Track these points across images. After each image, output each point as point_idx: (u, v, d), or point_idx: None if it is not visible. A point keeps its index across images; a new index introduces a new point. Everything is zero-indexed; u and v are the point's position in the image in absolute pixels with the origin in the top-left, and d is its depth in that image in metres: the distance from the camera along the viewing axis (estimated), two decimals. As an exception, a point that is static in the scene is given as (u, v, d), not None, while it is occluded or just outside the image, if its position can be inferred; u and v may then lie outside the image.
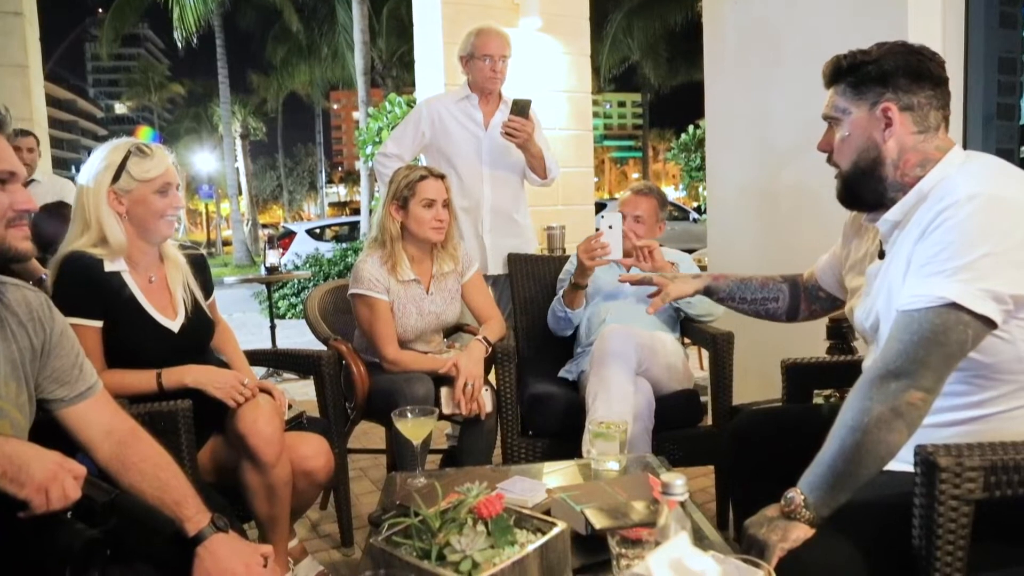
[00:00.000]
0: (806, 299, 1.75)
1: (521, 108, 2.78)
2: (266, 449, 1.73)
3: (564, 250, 4.18)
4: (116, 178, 1.76)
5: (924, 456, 1.12)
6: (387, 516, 1.35)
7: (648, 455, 1.79)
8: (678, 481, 0.85)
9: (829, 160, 1.40)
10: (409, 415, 1.65)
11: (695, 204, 17.77)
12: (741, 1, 3.15)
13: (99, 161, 1.79)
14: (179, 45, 15.32)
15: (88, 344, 1.72)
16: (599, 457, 1.66)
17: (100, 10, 19.71)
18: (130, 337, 1.80)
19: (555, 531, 1.13)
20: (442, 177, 2.37)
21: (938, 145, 1.30)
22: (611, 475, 1.64)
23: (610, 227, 2.28)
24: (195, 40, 15.52)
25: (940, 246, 1.17)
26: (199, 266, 2.01)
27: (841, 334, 2.13)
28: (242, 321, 8.74)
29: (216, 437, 1.89)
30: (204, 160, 35.20)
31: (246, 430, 1.74)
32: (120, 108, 63.85)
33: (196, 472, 1.73)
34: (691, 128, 14.98)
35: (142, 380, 1.79)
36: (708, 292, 1.79)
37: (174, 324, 1.87)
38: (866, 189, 1.35)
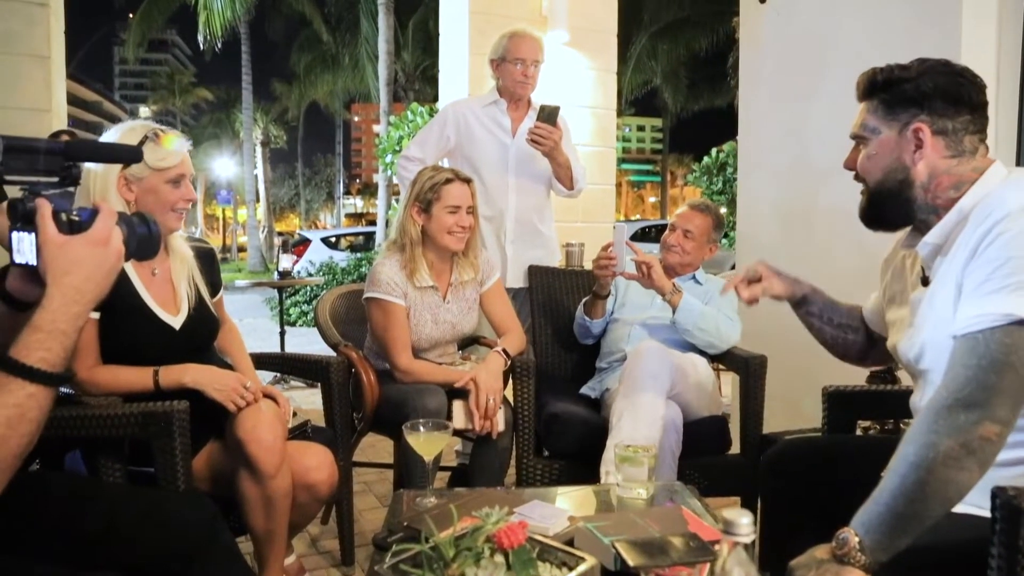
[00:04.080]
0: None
1: (549, 114, 2.68)
2: (266, 458, 1.62)
3: (582, 267, 4.07)
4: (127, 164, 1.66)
5: (1006, 500, 0.99)
6: (394, 539, 1.23)
7: (676, 483, 1.66)
8: (744, 519, 0.73)
9: (856, 177, 1.33)
10: (422, 428, 1.53)
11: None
12: (781, 12, 3.04)
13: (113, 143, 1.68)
14: (202, 49, 15.44)
15: (85, 335, 1.63)
16: (625, 483, 1.53)
17: (132, 15, 19.96)
18: (128, 332, 1.70)
19: (584, 567, 1.01)
20: (468, 181, 2.26)
21: (975, 166, 1.22)
22: (637, 503, 1.51)
23: (617, 239, 2.26)
24: (219, 45, 15.65)
25: (998, 261, 1.09)
26: (207, 261, 1.92)
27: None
28: (252, 327, 8.67)
29: (214, 442, 1.78)
30: (224, 166, 35.42)
31: (245, 437, 1.62)
32: (145, 112, 64.59)
33: (189, 479, 1.61)
34: (713, 152, 14.85)
35: (138, 377, 1.69)
36: (803, 301, 1.64)
37: (175, 320, 1.77)
38: (891, 209, 1.29)
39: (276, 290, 5.56)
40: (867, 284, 2.52)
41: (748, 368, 2.14)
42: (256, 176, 27.00)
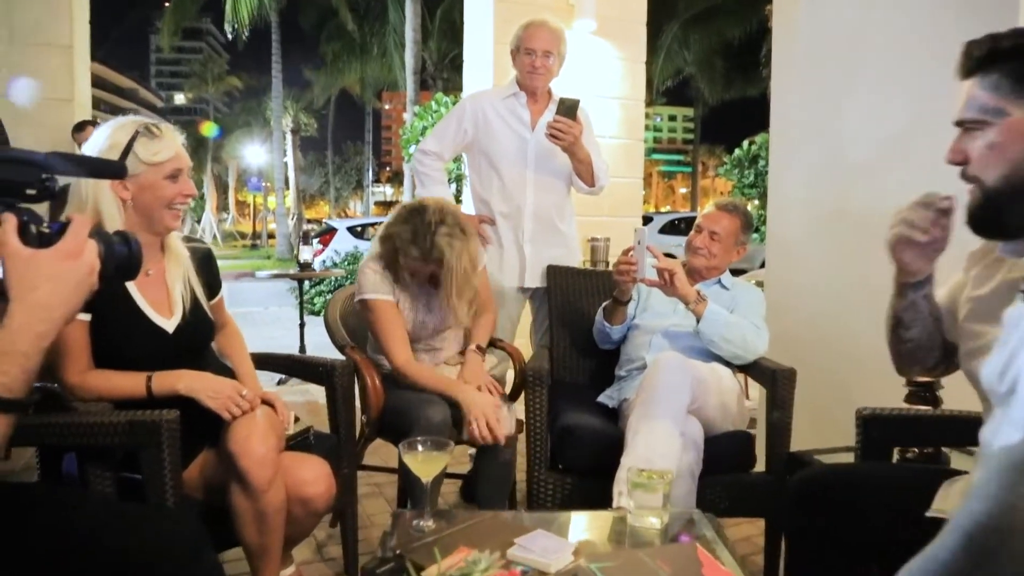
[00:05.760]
0: None
1: (568, 108, 2.55)
2: (257, 472, 1.54)
3: (607, 263, 3.96)
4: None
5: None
6: (382, 571, 1.14)
7: (694, 511, 1.54)
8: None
9: (964, 175, 1.11)
10: (419, 448, 1.43)
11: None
12: (818, 2, 2.87)
13: (103, 140, 1.60)
14: (230, 39, 15.53)
15: (73, 338, 1.57)
16: (637, 511, 1.42)
17: (167, 3, 20.21)
18: (119, 335, 1.63)
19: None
20: (439, 261, 2.06)
21: None
22: (650, 533, 1.40)
23: (638, 243, 2.13)
24: (246, 34, 15.74)
25: None
26: (204, 262, 1.84)
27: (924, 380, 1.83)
28: (276, 316, 8.66)
29: (209, 451, 1.70)
30: (255, 153, 35.67)
31: (236, 449, 1.54)
32: (180, 99, 65.46)
33: (179, 491, 1.54)
34: (745, 144, 14.54)
35: (130, 383, 1.62)
36: (927, 281, 1.34)
37: (169, 324, 1.70)
38: (1015, 212, 1.06)
39: (297, 281, 5.52)
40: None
41: (775, 381, 2.01)
42: (286, 164, 27.15)
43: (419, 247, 2.05)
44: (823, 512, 1.36)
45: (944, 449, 1.78)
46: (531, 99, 2.77)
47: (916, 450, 1.75)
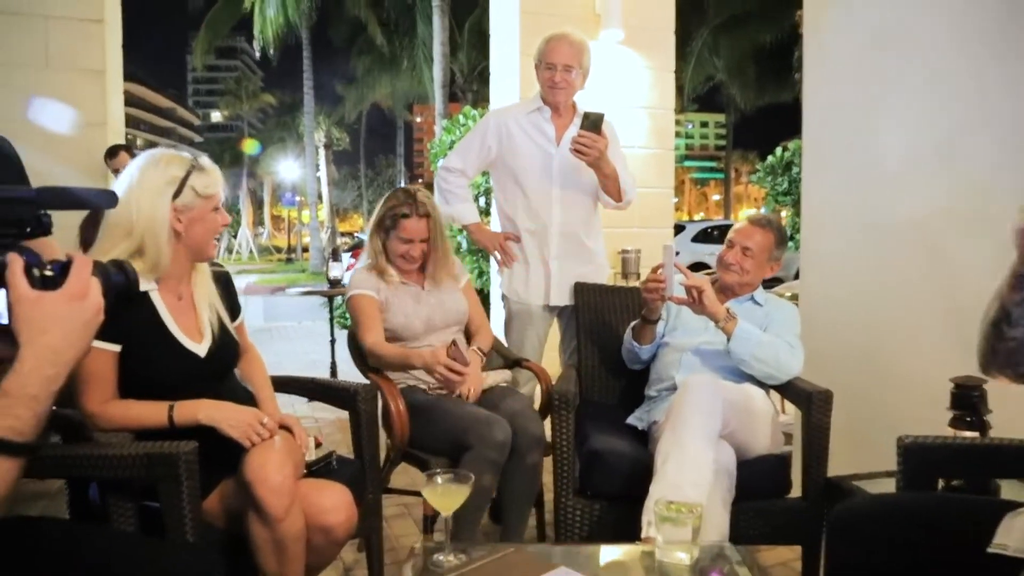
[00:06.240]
0: None
1: (593, 122, 2.50)
2: (273, 501, 1.51)
3: (639, 275, 3.90)
4: (177, 194, 1.62)
5: None
6: (398, 613, 1.10)
7: (726, 545, 1.47)
8: None
9: None
10: (439, 480, 1.39)
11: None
12: (847, 4, 2.79)
13: (157, 173, 1.63)
14: (268, 56, 15.78)
15: (99, 368, 1.59)
16: (665, 545, 1.36)
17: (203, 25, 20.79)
18: (153, 362, 1.65)
19: None
20: (427, 216, 2.33)
21: None
22: (679, 568, 1.34)
23: (666, 260, 2.14)
24: (271, 51, 15.99)
25: None
26: (224, 284, 1.86)
27: (971, 403, 1.71)
28: (310, 330, 8.71)
29: (228, 479, 1.68)
30: (289, 168, 36.22)
31: (253, 477, 1.52)
32: (216, 116, 66.79)
33: (197, 522, 1.51)
34: (778, 150, 14.31)
35: (151, 413, 1.62)
36: None
37: (200, 348, 1.72)
38: None
39: (327, 298, 5.54)
40: (942, 300, 2.29)
41: (811, 404, 1.92)
42: (319, 178, 27.50)
43: (409, 205, 2.30)
44: (866, 546, 1.30)
45: (994, 483, 1.67)
46: (555, 113, 2.72)
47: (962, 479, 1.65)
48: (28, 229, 0.96)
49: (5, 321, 0.91)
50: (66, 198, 1.00)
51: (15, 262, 0.91)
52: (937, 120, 2.38)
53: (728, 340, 2.07)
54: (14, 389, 0.89)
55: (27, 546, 1.15)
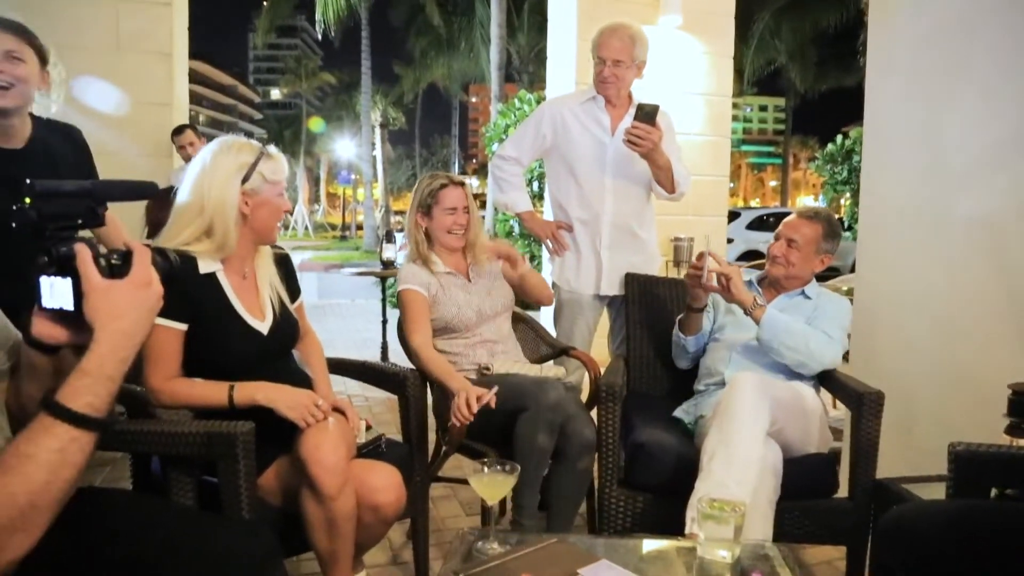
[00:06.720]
0: None
1: (647, 113, 2.48)
2: (327, 479, 1.57)
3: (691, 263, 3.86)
4: (246, 179, 1.71)
5: None
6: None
7: (768, 545, 1.48)
8: None
9: None
10: (485, 470, 1.42)
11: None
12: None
13: (229, 159, 1.71)
14: (320, 37, 15.99)
15: (165, 346, 1.67)
16: (707, 542, 1.37)
17: (265, 3, 21.22)
18: (219, 339, 1.74)
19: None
20: (462, 184, 2.39)
21: None
22: (719, 566, 1.35)
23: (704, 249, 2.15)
24: (332, 32, 16.18)
25: None
26: (284, 266, 1.94)
27: (1030, 410, 1.68)
28: (364, 308, 8.86)
29: (284, 457, 1.75)
30: (345, 147, 36.64)
31: (308, 456, 1.59)
32: (275, 94, 68.02)
33: (253, 500, 1.58)
34: (839, 138, 13.89)
35: (213, 393, 1.69)
36: None
37: (263, 326, 1.80)
38: None
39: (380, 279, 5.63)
40: (1005, 301, 2.22)
41: (861, 404, 1.90)
42: (374, 157, 27.78)
43: (441, 178, 2.38)
44: (916, 554, 1.28)
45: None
46: (610, 103, 2.72)
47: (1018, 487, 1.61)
48: (81, 221, 1.04)
49: (71, 307, 0.98)
50: (117, 188, 1.07)
51: (84, 251, 0.98)
52: (1008, 116, 2.29)
53: (758, 327, 2.07)
54: (94, 369, 0.96)
55: (98, 514, 1.22)
